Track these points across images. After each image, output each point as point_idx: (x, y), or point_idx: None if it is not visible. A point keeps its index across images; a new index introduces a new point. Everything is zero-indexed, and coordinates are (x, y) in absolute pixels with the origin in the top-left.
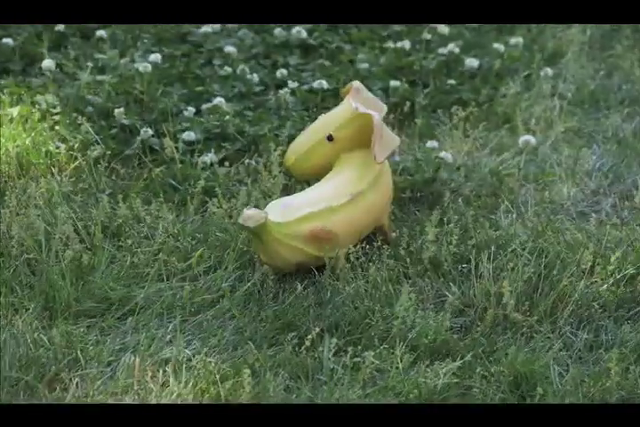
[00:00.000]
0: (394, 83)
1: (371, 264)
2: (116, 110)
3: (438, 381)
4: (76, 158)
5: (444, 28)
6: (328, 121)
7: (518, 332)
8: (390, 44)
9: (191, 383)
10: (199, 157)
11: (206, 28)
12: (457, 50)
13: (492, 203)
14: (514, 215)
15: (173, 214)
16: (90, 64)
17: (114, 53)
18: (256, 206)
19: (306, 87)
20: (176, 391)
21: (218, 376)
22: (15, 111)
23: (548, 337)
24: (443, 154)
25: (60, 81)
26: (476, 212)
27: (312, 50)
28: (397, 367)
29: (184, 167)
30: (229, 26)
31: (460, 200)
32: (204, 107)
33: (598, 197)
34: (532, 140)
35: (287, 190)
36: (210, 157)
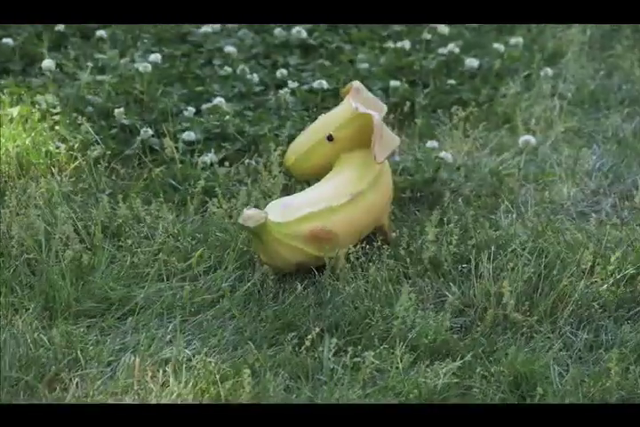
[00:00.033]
0: (394, 83)
1: (371, 264)
2: (116, 110)
3: (438, 381)
4: (76, 158)
5: (443, 28)
6: (328, 121)
7: (518, 332)
8: (390, 44)
9: (191, 383)
10: (199, 156)
11: (206, 28)
12: (457, 50)
13: (492, 203)
14: (514, 215)
15: (173, 214)
16: (90, 64)
17: (114, 53)
18: (256, 206)
19: (306, 87)
20: (176, 391)
21: (218, 376)
22: (15, 111)
23: (548, 337)
24: (443, 154)
25: (60, 81)
26: (476, 212)
27: (312, 50)
28: (397, 367)
29: (184, 167)
30: (229, 26)
31: (460, 200)
32: (204, 107)
33: (598, 197)
34: (532, 140)
35: (287, 190)
36: (210, 157)
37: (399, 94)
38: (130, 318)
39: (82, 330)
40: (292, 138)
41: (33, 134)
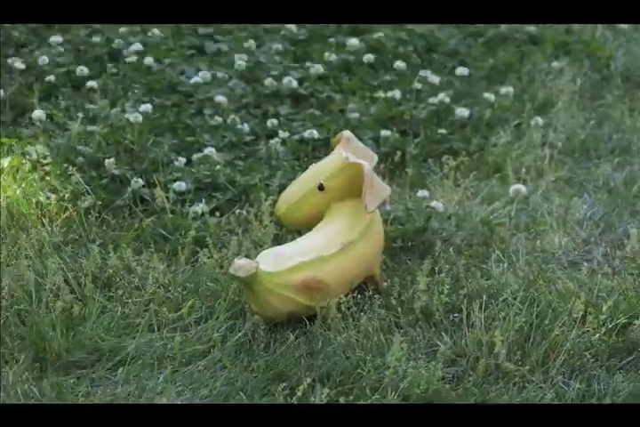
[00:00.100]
0: (384, 132)
1: (362, 314)
2: (107, 160)
3: None
4: (66, 209)
5: (434, 78)
6: (319, 171)
7: (510, 381)
8: (381, 94)
9: None
10: (190, 206)
11: (197, 79)
12: (447, 99)
13: (483, 252)
14: (505, 264)
15: (164, 264)
16: (80, 114)
17: (104, 103)
18: (247, 256)
19: (296, 137)
20: None
21: None
22: (6, 162)
23: (541, 387)
24: (434, 203)
25: (51, 131)
26: (468, 261)
27: (302, 99)
28: None
29: (175, 217)
30: (219, 75)
31: (451, 249)
32: (195, 157)
33: (590, 247)
34: (523, 189)
35: (278, 240)
36: (201, 207)
37: (390, 144)
38: (120, 369)
39: (72, 381)
40: (282, 187)
41: (23, 185)
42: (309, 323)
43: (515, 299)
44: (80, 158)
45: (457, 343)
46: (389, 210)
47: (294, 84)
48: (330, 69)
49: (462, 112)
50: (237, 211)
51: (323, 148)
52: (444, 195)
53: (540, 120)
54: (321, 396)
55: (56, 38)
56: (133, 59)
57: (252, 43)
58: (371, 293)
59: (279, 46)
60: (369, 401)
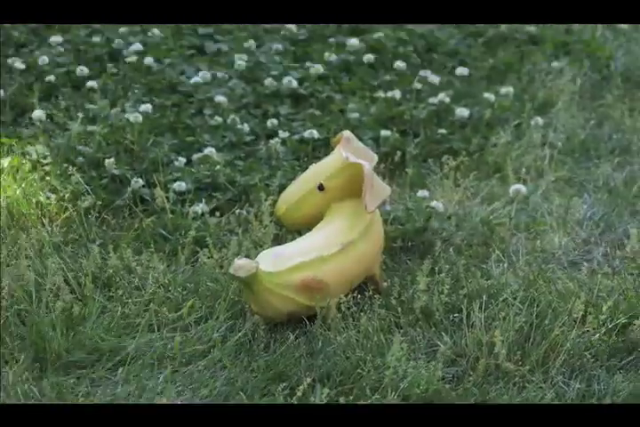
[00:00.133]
0: (384, 132)
1: (362, 314)
2: (107, 160)
3: None
4: (66, 209)
5: (434, 78)
6: (319, 171)
7: (510, 381)
8: (381, 94)
9: None
10: (190, 206)
11: (197, 79)
12: (447, 99)
13: (483, 252)
14: (505, 264)
15: (164, 264)
16: (80, 114)
17: (104, 104)
18: (247, 256)
19: (296, 137)
20: None
21: None
22: (6, 162)
23: (541, 387)
24: (434, 203)
25: (51, 131)
26: (468, 261)
27: (302, 99)
28: None
29: (175, 217)
30: (219, 75)
31: (451, 249)
32: (195, 157)
33: (590, 247)
34: (523, 189)
35: (278, 240)
36: (201, 207)
37: (390, 144)
38: (120, 369)
39: (72, 381)
40: (282, 188)
41: (23, 185)
42: (309, 323)
43: (515, 299)
44: (80, 158)
45: (457, 343)
46: (389, 210)
47: (294, 84)
48: (330, 69)
49: (462, 112)
50: (237, 211)
51: (323, 148)
52: (444, 195)
53: (540, 120)
54: (321, 396)
55: (56, 38)
56: (133, 59)
57: (251, 43)
58: (371, 293)
59: (279, 46)
60: (369, 401)
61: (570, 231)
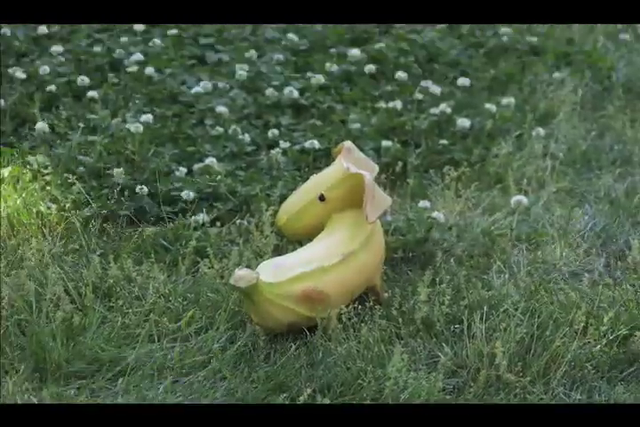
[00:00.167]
0: (385, 143)
1: (363, 325)
2: (115, 170)
3: None
4: (67, 219)
5: (435, 88)
6: (320, 181)
7: (511, 393)
8: (382, 104)
9: None
10: (191, 217)
11: (197, 89)
12: (449, 110)
13: (484, 263)
14: (506, 275)
15: (164, 275)
16: (81, 124)
17: (105, 114)
18: (248, 267)
19: (297, 147)
20: None
21: None
22: (6, 172)
23: (542, 398)
24: (435, 214)
25: (52, 141)
26: (469, 272)
27: (304, 110)
28: None
29: (176, 227)
30: (220, 86)
31: (452, 260)
32: (196, 167)
33: (591, 257)
34: (524, 200)
35: (279, 250)
36: (201, 217)
37: (391, 154)
38: (120, 380)
39: (72, 392)
40: (283, 198)
41: (24, 195)
42: (310, 334)
43: (516, 310)
44: (81, 168)
45: (458, 354)
46: (390, 220)
47: (295, 94)
48: (331, 80)
49: (463, 123)
50: (238, 221)
51: (324, 158)
52: (445, 205)
53: (541, 131)
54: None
55: (57, 48)
56: (134, 69)
57: (253, 53)
58: (371, 303)
59: (280, 56)
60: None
61: (571, 242)
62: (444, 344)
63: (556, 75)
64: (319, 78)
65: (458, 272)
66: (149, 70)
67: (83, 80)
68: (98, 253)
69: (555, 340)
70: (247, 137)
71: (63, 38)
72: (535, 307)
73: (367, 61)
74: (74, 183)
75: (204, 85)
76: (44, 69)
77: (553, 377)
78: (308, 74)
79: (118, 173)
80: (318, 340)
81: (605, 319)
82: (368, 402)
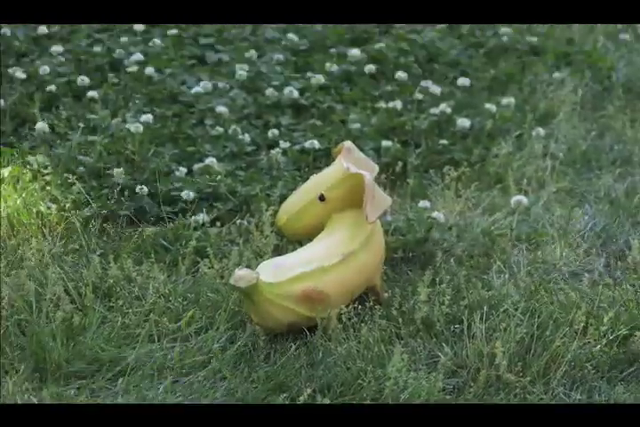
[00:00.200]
0: (385, 143)
1: (363, 325)
2: (115, 170)
3: None
4: (67, 219)
5: (435, 88)
6: (320, 181)
7: (511, 393)
8: (382, 105)
9: None
10: (191, 217)
11: (197, 89)
12: (449, 110)
13: (484, 263)
14: (506, 275)
15: (164, 275)
16: (81, 124)
17: (105, 114)
18: (248, 267)
19: (297, 147)
20: None
21: None
22: (6, 172)
23: (542, 398)
24: (435, 214)
25: (52, 141)
26: (469, 272)
27: (304, 110)
28: None
29: (176, 227)
30: (220, 86)
31: (452, 260)
32: (196, 167)
33: (591, 257)
34: (524, 200)
35: (279, 250)
36: (201, 217)
37: (391, 154)
38: (120, 380)
39: (72, 392)
40: (283, 198)
41: (24, 195)
42: (310, 334)
43: (516, 310)
44: (81, 168)
45: (458, 354)
46: (390, 220)
47: (295, 94)
48: (331, 80)
49: (463, 123)
50: (238, 221)
51: (324, 158)
52: (445, 205)
53: (541, 131)
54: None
55: (57, 48)
56: (134, 69)
57: (252, 53)
58: (371, 303)
59: (280, 56)
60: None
61: (571, 242)
62: (443, 344)
63: (556, 75)
64: (319, 78)
65: (458, 272)
66: (149, 70)
67: (83, 80)
68: (98, 253)
69: (555, 340)
70: (247, 137)
71: (63, 38)
72: (535, 307)
73: (367, 61)
74: (74, 183)
75: (204, 85)
76: (44, 69)
77: (553, 377)
78: (308, 74)
79: (118, 173)
80: (318, 340)
81: (605, 319)
82: (368, 402)
